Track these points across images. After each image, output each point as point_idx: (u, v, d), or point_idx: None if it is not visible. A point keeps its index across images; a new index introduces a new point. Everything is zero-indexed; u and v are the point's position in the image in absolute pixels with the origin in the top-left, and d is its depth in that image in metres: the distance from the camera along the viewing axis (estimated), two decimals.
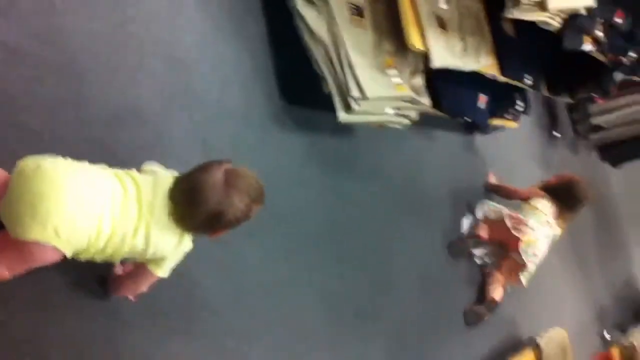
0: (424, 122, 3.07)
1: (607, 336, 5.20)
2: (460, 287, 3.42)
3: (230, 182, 1.57)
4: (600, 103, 5.15)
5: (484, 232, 3.57)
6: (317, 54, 2.45)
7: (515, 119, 3.86)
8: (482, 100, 3.45)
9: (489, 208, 3.63)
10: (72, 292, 1.69)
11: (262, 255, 2.28)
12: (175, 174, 1.65)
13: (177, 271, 1.88)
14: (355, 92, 2.43)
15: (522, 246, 3.47)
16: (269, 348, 2.22)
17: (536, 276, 3.98)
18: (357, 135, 2.93)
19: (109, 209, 1.46)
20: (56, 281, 1.64)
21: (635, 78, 4.10)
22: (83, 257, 1.51)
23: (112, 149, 1.86)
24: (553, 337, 3.65)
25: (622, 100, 5.20)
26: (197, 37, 2.25)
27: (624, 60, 3.51)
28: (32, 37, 1.73)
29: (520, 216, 3.51)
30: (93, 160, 1.76)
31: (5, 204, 1.41)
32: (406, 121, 2.82)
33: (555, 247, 4.47)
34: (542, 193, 3.64)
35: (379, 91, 2.52)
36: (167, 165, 1.90)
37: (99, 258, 1.54)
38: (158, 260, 1.63)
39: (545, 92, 3.79)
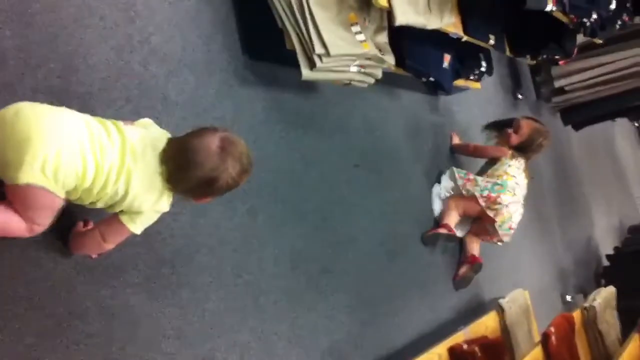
0: (387, 80, 3.05)
1: (569, 298, 5.32)
2: (425, 247, 3.44)
3: (226, 149, 1.60)
4: (562, 65, 5.20)
5: (454, 217, 3.63)
6: (280, 8, 2.41)
7: (478, 79, 3.88)
8: (447, 60, 3.45)
9: (458, 176, 3.66)
10: (33, 247, 1.66)
11: (222, 210, 2.26)
12: (168, 133, 1.68)
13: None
14: (318, 49, 2.40)
15: (497, 224, 3.55)
16: (227, 299, 2.21)
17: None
18: (320, 92, 2.90)
19: (90, 147, 1.48)
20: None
21: (597, 40, 4.15)
22: (73, 198, 1.54)
23: (67, 102, 1.81)
24: (515, 299, 3.71)
25: (583, 63, 5.26)
26: None
27: (586, 22, 3.54)
28: None
29: (492, 194, 3.55)
30: None
31: None
32: (370, 79, 2.80)
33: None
34: (508, 151, 3.68)
35: (343, 48, 2.49)
36: (127, 120, 1.88)
37: (87, 200, 1.56)
38: (132, 215, 1.64)
39: (508, 53, 3.81)
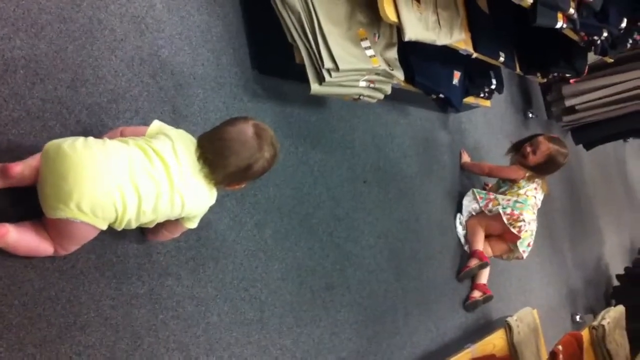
0: (397, 97, 3.06)
1: (578, 318, 5.27)
2: (432, 264, 3.42)
3: (260, 135, 1.74)
4: (573, 84, 5.19)
5: (480, 238, 3.70)
6: (290, 23, 2.42)
7: (489, 97, 3.87)
8: (457, 77, 3.45)
9: (479, 197, 3.72)
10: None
11: (229, 223, 2.26)
12: (184, 131, 1.76)
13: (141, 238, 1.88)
14: (328, 63, 2.40)
15: (520, 241, 3.59)
16: (232, 313, 2.20)
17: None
18: (328, 107, 2.91)
19: (129, 178, 1.52)
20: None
21: (607, 59, 4.13)
22: (119, 226, 1.59)
23: (76, 113, 1.82)
24: (523, 318, 3.68)
25: (594, 83, 5.24)
26: (166, 0, 2.20)
27: (597, 40, 3.53)
28: None
29: (515, 212, 3.60)
30: (59, 124, 1.75)
31: (38, 188, 1.51)
32: (379, 95, 2.81)
33: None
34: (524, 172, 3.69)
35: (352, 63, 2.50)
36: None
37: (135, 225, 1.63)
38: (191, 218, 1.82)
39: (518, 70, 3.80)
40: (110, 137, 1.65)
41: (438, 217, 3.61)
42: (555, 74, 4.09)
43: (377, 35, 2.71)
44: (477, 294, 3.70)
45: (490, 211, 3.64)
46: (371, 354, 2.80)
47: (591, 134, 5.79)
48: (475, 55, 3.17)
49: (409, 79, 3.04)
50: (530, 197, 3.66)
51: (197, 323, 2.07)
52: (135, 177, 1.53)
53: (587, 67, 4.25)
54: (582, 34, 3.41)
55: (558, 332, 4.19)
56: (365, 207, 3.01)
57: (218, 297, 2.16)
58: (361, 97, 2.72)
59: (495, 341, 3.39)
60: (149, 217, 1.62)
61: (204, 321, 2.09)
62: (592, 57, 4.25)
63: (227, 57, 2.40)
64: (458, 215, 3.79)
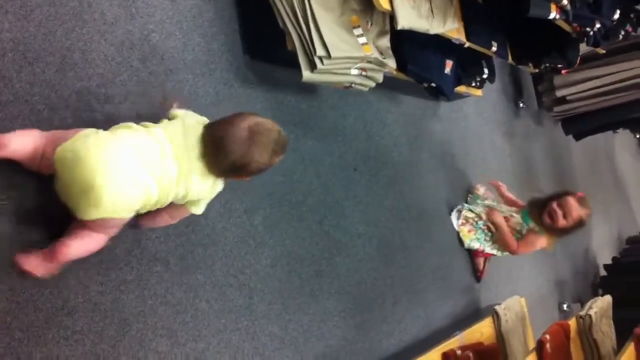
0: (388, 85, 3.05)
1: (565, 307, 5.31)
2: (421, 252, 3.43)
3: (253, 138, 1.70)
4: (564, 74, 5.20)
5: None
6: (282, 8, 2.40)
7: (480, 86, 3.87)
8: (449, 66, 3.44)
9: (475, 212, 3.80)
10: (23, 241, 1.65)
11: (219, 209, 2.25)
12: (201, 117, 1.81)
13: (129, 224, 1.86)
14: (320, 51, 2.39)
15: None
16: (220, 300, 2.20)
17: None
18: (320, 94, 2.89)
19: (151, 174, 1.59)
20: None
21: (599, 50, 4.14)
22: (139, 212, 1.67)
23: (65, 97, 1.80)
24: (511, 306, 3.69)
25: (585, 74, 5.26)
26: None
27: (589, 31, 3.53)
28: None
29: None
30: (47, 108, 1.73)
31: (60, 190, 1.56)
32: (371, 83, 2.79)
33: None
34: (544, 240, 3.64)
35: (344, 50, 2.48)
36: (126, 117, 1.88)
37: (148, 209, 1.69)
38: (195, 202, 1.81)
39: (510, 60, 3.80)
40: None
41: (428, 205, 3.61)
42: (547, 64, 4.10)
43: (369, 22, 2.69)
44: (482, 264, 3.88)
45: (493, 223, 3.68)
46: (359, 341, 2.81)
47: (581, 124, 5.81)
48: (467, 44, 3.17)
49: (401, 67, 3.03)
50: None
51: (185, 309, 2.06)
52: (156, 171, 1.59)
53: (579, 58, 4.25)
54: (575, 25, 3.41)
55: (546, 320, 4.22)
56: (356, 195, 3.01)
57: (207, 283, 2.16)
58: (353, 85, 2.71)
59: (483, 329, 3.41)
60: (161, 202, 1.68)
61: (193, 307, 2.09)
62: (584, 48, 4.25)
63: (218, 42, 2.38)
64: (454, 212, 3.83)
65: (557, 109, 5.61)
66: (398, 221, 3.30)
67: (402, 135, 3.49)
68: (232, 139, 1.69)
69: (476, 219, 3.76)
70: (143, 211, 1.67)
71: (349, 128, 3.05)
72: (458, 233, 3.78)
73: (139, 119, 1.82)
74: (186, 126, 1.72)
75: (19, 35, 1.72)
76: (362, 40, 2.60)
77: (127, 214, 1.60)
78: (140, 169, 1.56)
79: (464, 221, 3.77)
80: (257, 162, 1.73)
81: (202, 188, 1.75)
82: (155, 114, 1.98)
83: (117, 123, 1.86)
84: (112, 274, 1.85)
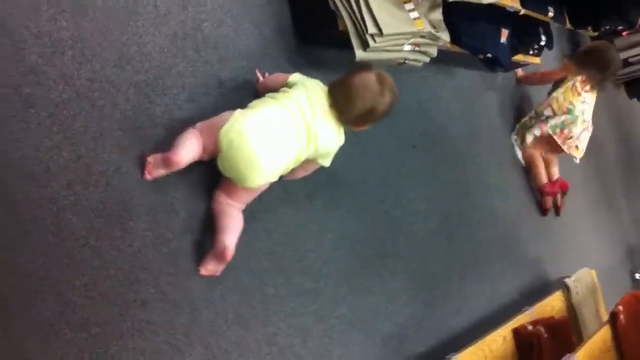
0: (443, 59, 2.98)
1: (638, 276, 5.16)
2: (483, 226, 3.37)
3: (382, 82, 2.02)
4: (625, 36, 5.01)
5: (542, 170, 3.90)
6: None
7: (538, 54, 3.76)
8: (504, 36, 3.36)
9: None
10: (92, 237, 1.68)
11: (280, 195, 2.25)
12: (318, 81, 2.09)
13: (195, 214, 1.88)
14: (371, 29, 2.36)
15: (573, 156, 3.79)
16: (287, 284, 2.22)
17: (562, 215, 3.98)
18: None
19: (293, 144, 1.92)
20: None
21: None
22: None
23: (124, 91, 1.83)
24: (581, 279, 3.62)
25: None
26: None
27: None
28: None
29: (564, 130, 3.69)
30: (108, 104, 1.76)
31: (224, 165, 1.88)
32: (425, 58, 2.75)
33: (582, 186, 4.43)
34: (574, 67, 3.70)
35: (396, 27, 2.44)
36: (184, 108, 1.89)
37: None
38: (325, 155, 2.11)
39: (568, 25, 3.68)
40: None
41: (487, 179, 3.55)
42: (607, 27, 3.95)
43: None
44: (549, 203, 3.97)
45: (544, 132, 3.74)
46: (427, 318, 2.79)
47: None
48: (522, 11, 3.08)
49: (455, 40, 2.97)
50: (576, 97, 3.66)
51: (253, 296, 2.08)
52: (293, 137, 1.91)
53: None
54: None
55: (618, 291, 4.10)
56: (414, 172, 2.97)
57: (272, 268, 2.17)
58: (406, 62, 2.67)
59: (554, 303, 3.34)
60: (298, 162, 2.01)
61: (260, 293, 2.10)
62: None
63: (269, 28, 2.37)
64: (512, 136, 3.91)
65: (619, 72, 5.42)
66: (458, 196, 3.25)
67: (457, 109, 3.43)
68: (365, 85, 2.00)
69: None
70: (286, 172, 2.01)
71: (405, 105, 3.01)
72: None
73: (197, 110, 1.85)
74: (309, 89, 2.01)
75: (76, 33, 1.75)
76: (414, 14, 2.55)
77: (277, 177, 1.95)
78: (285, 141, 1.89)
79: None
80: (384, 103, 2.03)
81: (330, 140, 2.04)
82: (213, 104, 2.00)
83: (176, 115, 1.89)
84: (180, 264, 1.88)
